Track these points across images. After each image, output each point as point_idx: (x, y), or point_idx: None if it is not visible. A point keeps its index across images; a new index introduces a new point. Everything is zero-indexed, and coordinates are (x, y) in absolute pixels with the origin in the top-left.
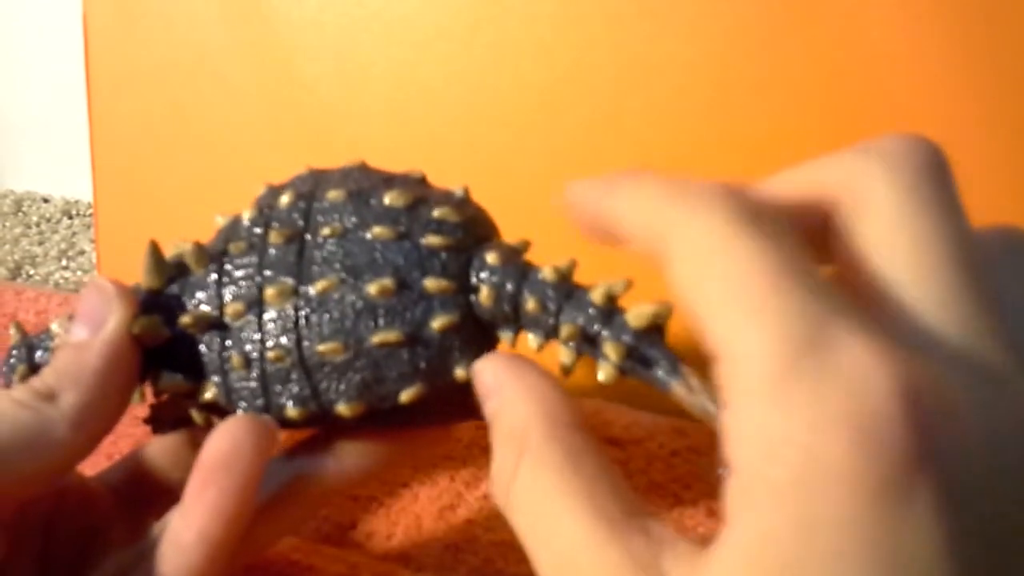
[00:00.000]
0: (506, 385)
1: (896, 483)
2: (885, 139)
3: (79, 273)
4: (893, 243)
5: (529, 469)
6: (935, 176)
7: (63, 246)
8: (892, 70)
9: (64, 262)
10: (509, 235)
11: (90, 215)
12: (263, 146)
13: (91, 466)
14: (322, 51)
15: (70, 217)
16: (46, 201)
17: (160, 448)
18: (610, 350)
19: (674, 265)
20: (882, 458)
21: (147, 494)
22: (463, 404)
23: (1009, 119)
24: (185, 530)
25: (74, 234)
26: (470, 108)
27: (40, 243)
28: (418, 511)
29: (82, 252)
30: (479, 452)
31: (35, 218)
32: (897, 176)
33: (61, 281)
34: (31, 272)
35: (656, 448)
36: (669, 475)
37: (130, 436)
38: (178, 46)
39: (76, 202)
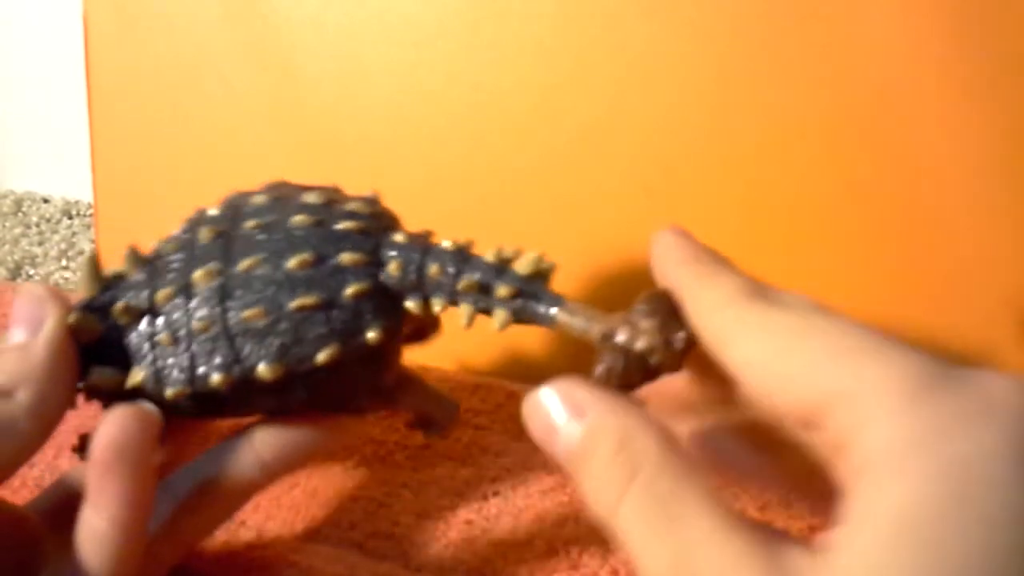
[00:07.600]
0: (597, 405)
1: None
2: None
3: (79, 273)
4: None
5: (647, 478)
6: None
7: (63, 246)
8: (892, 70)
9: (64, 262)
10: (508, 234)
11: (90, 215)
12: (263, 146)
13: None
14: (322, 51)
15: (70, 217)
16: (46, 201)
17: (82, 471)
18: (502, 291)
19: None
20: None
21: (74, 515)
22: (382, 394)
23: (1010, 119)
24: (96, 519)
25: (74, 234)
26: (470, 108)
27: (40, 243)
28: (418, 511)
29: (82, 252)
30: (478, 452)
31: (35, 218)
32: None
33: (61, 281)
34: (31, 272)
35: None
36: None
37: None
38: (178, 46)
39: (76, 202)
